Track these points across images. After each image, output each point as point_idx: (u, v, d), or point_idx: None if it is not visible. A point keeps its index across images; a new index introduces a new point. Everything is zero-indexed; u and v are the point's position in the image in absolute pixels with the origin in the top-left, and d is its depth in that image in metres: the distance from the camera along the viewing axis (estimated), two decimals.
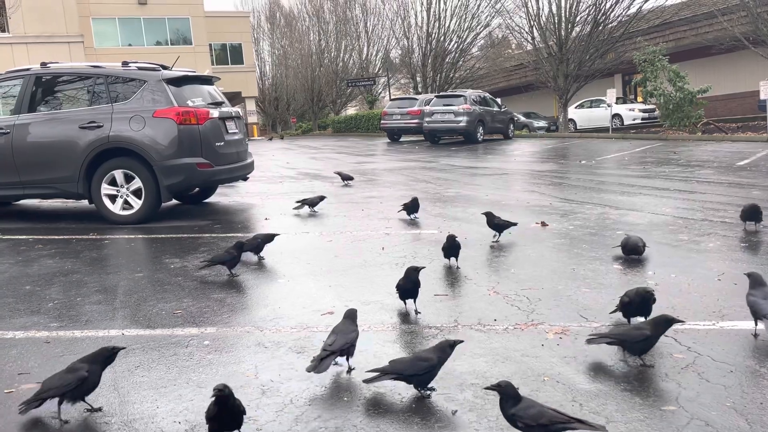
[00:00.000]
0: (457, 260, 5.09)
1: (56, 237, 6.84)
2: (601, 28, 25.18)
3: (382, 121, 25.52)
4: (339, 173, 11.06)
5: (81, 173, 7.33)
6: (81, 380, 2.73)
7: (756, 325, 3.43)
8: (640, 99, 28.95)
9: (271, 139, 33.69)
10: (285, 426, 2.63)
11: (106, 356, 2.85)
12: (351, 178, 10.88)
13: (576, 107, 28.48)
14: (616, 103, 25.01)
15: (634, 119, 26.37)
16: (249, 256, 5.53)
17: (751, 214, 5.97)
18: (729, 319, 3.67)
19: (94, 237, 6.79)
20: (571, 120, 27.96)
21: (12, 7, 25.63)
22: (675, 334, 3.47)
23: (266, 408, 2.78)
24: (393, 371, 2.86)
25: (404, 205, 7.27)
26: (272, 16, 52.90)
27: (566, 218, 7.06)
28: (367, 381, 2.89)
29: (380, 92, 45.15)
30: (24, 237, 6.88)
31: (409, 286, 3.96)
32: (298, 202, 8.00)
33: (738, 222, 6.32)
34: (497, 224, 5.93)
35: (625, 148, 16.71)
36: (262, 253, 5.53)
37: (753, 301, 3.41)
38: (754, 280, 3.50)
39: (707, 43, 23.09)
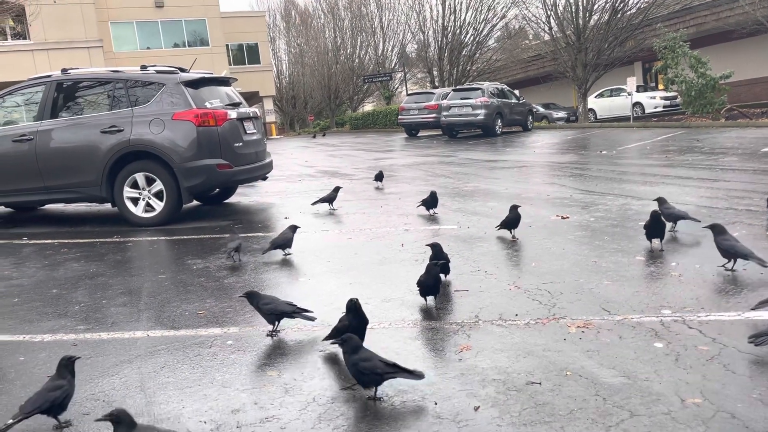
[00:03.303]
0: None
1: (81, 240, 6.95)
2: (619, 15, 24.83)
3: (399, 117, 25.49)
4: (376, 176, 10.10)
5: (103, 177, 7.44)
6: (65, 395, 2.73)
7: (733, 263, 4.32)
8: (661, 87, 28.52)
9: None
10: (308, 424, 2.66)
11: (72, 366, 2.81)
12: (381, 177, 10.06)
13: (596, 97, 28.15)
14: (637, 91, 24.67)
15: (655, 107, 25.99)
16: (270, 256, 5.59)
17: None
18: (755, 310, 3.61)
19: (117, 240, 6.89)
20: (591, 110, 27.66)
21: (32, 14, 26.03)
22: (700, 325, 3.43)
23: (289, 406, 2.81)
24: None
25: (423, 200, 7.26)
26: (287, 15, 53.13)
27: (587, 210, 6.99)
28: None
29: (397, 87, 45.11)
30: (49, 241, 7.00)
31: (430, 283, 3.96)
32: (313, 203, 8.04)
33: (763, 210, 6.21)
34: (670, 214, 5.55)
35: (646, 137, 16.49)
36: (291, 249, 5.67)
37: (730, 245, 4.24)
38: (719, 230, 4.35)
39: (729, 28, 22.66)
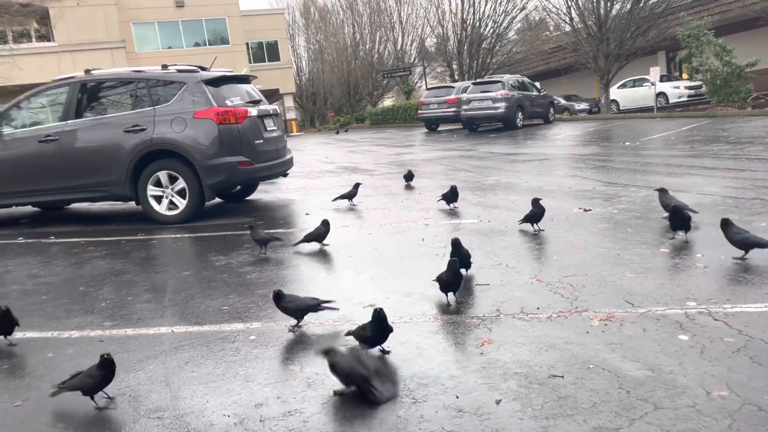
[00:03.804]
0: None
1: (106, 239, 7.07)
2: (642, 4, 24.42)
3: (419, 111, 25.43)
4: (405, 176, 9.51)
5: (128, 176, 7.55)
6: (96, 383, 2.94)
7: (746, 253, 4.36)
8: (685, 76, 28.03)
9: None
10: (329, 417, 2.68)
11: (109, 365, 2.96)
12: (412, 177, 9.46)
13: (618, 87, 27.77)
14: (661, 81, 24.28)
15: (679, 97, 25.55)
16: (300, 248, 5.62)
17: None
18: None
19: (142, 237, 6.99)
20: (614, 101, 27.29)
21: (56, 17, 26.45)
22: (726, 317, 3.38)
23: (312, 401, 2.83)
24: None
25: (443, 194, 7.24)
26: (306, 12, 53.23)
27: (610, 202, 6.92)
28: None
29: (416, 82, 44.96)
30: (76, 240, 7.13)
31: (450, 280, 3.95)
32: (334, 199, 8.07)
33: None
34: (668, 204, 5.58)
35: (670, 128, 16.24)
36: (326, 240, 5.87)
37: (742, 237, 4.33)
38: (728, 224, 4.40)
39: (754, 15, 22.17)
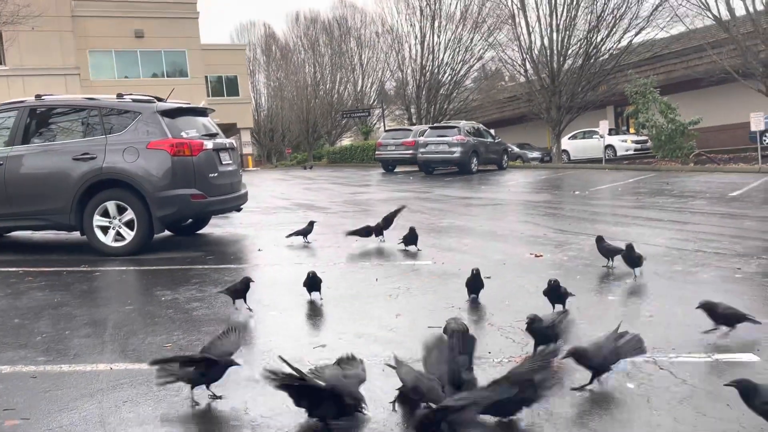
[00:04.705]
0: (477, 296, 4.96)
1: (47, 269, 6.78)
2: (592, 60, 25.60)
3: (376, 152, 25.66)
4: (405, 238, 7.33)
5: (73, 204, 7.31)
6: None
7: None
8: (632, 130, 29.25)
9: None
10: None
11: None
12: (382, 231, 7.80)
13: (569, 138, 28.72)
14: (609, 134, 25.24)
15: (626, 150, 26.58)
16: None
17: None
18: (724, 352, 3.64)
19: (85, 269, 6.73)
20: (565, 151, 28.18)
21: (9, 40, 25.87)
22: (671, 366, 3.44)
23: None
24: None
25: (404, 237, 7.21)
26: (268, 49, 53.55)
27: (560, 249, 7.05)
28: None
29: (375, 123, 45.51)
30: (14, 269, 6.81)
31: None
32: (288, 236, 7.99)
33: (732, 253, 6.32)
34: (608, 249, 5.89)
35: (618, 179, 16.81)
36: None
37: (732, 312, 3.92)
38: (710, 307, 3.93)
39: (697, 76, 23.43)
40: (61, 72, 30.00)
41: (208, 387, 3.20)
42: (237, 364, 3.25)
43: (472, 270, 4.92)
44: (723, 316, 3.93)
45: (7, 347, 4.15)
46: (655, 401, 3.02)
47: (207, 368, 3.13)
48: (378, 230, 7.68)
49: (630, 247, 5.57)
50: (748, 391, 2.57)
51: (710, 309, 3.94)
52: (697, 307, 3.94)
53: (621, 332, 3.33)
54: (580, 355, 3.16)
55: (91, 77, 33.12)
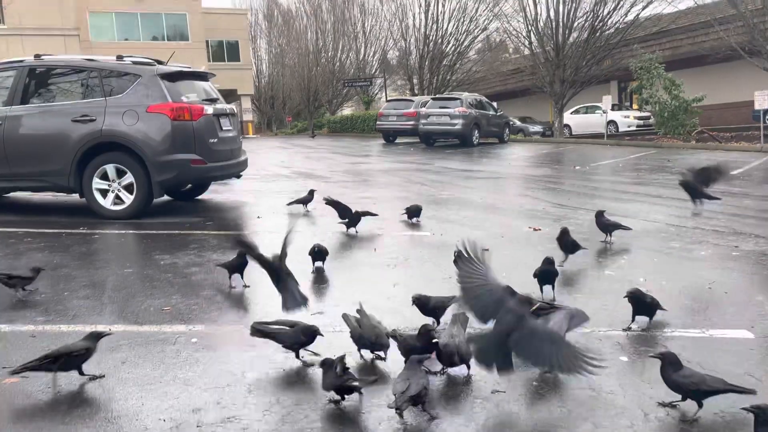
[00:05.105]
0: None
1: (46, 231, 6.78)
2: (598, 34, 25.27)
3: (377, 122, 25.50)
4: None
5: (72, 167, 7.27)
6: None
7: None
8: (635, 106, 29.04)
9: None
10: (271, 426, 2.61)
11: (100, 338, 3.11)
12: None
13: (571, 113, 28.53)
14: (612, 109, 25.07)
15: (629, 126, 26.44)
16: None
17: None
18: (719, 328, 3.68)
19: (84, 231, 6.74)
20: (567, 125, 28.01)
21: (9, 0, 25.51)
22: (665, 341, 3.47)
23: (252, 407, 2.75)
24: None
25: (407, 208, 7.19)
26: (270, 14, 52.78)
27: (559, 223, 7.04)
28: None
29: (377, 93, 45.12)
30: (13, 230, 6.82)
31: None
32: (289, 203, 7.98)
33: (730, 231, 6.33)
34: (607, 224, 5.96)
35: (619, 155, 16.75)
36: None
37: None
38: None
39: (703, 52, 23.18)
40: (61, 33, 29.60)
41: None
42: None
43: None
44: (645, 305, 3.69)
45: (6, 307, 4.17)
46: (647, 375, 3.05)
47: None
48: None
49: (600, 213, 5.98)
50: (670, 363, 2.73)
51: (637, 299, 3.69)
52: (625, 297, 3.71)
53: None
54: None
55: (91, 39, 32.72)
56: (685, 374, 2.71)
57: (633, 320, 3.68)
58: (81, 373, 3.02)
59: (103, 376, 3.07)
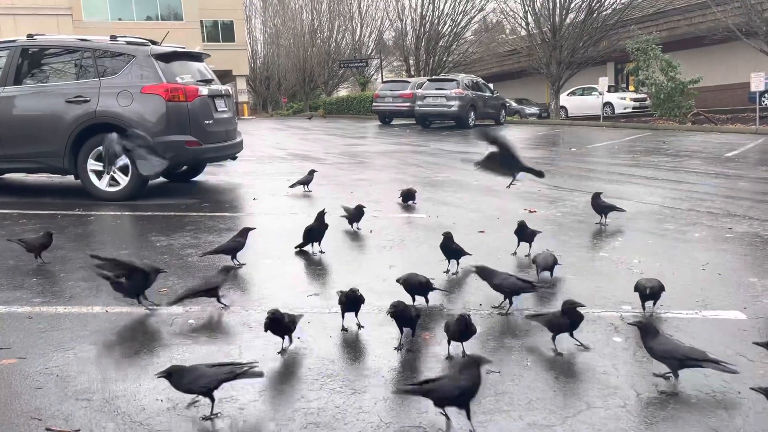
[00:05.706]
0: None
1: (41, 212, 6.77)
2: (595, 15, 25.14)
3: (373, 104, 25.39)
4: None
5: (67, 148, 7.24)
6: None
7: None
8: (631, 88, 28.96)
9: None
10: (267, 405, 2.63)
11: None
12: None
13: (568, 94, 28.44)
14: (608, 91, 24.99)
15: (625, 108, 26.39)
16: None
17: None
18: (712, 308, 3.71)
19: (79, 213, 6.72)
20: (563, 107, 27.94)
21: None
22: (659, 322, 3.50)
23: (249, 387, 2.78)
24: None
25: (402, 192, 7.19)
26: None
27: (554, 205, 7.07)
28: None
29: (372, 74, 44.87)
30: (8, 211, 6.80)
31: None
32: (291, 185, 7.95)
33: (724, 213, 6.36)
34: (602, 206, 5.98)
35: (615, 137, 16.74)
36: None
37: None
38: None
39: (700, 34, 23.07)
40: (53, 12, 29.30)
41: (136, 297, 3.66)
42: (164, 271, 3.96)
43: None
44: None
45: (2, 288, 4.18)
46: (641, 355, 3.08)
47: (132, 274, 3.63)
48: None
49: (596, 195, 6.00)
50: (647, 331, 2.85)
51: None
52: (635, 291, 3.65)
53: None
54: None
55: (83, 18, 32.31)
56: (661, 341, 2.82)
57: (644, 308, 3.66)
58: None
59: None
